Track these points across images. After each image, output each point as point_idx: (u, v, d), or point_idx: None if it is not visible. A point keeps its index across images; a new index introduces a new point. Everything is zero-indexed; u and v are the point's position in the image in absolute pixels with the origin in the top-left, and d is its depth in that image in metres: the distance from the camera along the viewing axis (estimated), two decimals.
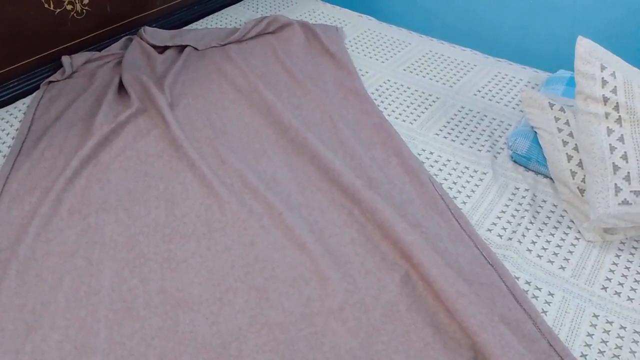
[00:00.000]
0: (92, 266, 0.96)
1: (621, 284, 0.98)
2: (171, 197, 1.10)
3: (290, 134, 1.26)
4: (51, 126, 1.27)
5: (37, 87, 1.42)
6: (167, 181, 1.14)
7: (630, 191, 0.98)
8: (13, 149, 1.21)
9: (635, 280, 0.98)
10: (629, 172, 0.99)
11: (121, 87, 1.42)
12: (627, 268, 1.01)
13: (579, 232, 1.07)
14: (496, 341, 0.81)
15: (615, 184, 1.00)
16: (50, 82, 1.43)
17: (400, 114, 1.40)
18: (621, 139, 1.02)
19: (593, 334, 0.89)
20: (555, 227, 1.08)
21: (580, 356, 0.85)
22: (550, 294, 0.95)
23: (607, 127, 1.04)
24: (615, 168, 1.00)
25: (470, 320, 0.84)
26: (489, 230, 1.07)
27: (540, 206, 1.13)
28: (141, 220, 1.05)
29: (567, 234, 1.07)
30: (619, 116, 1.03)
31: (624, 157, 1.00)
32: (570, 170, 1.11)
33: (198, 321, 0.87)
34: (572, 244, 1.05)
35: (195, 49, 1.63)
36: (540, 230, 1.07)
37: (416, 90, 1.50)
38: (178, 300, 0.91)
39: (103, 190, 1.11)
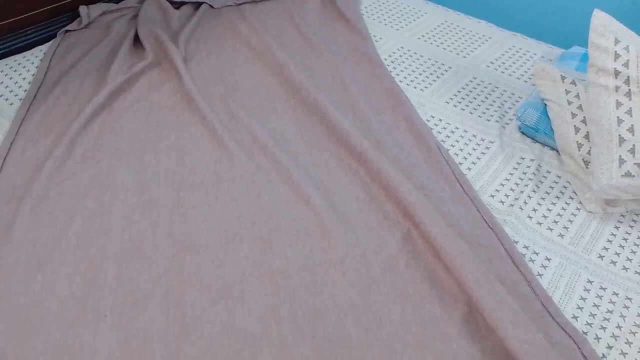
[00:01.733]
0: (103, 208, 0.98)
1: (617, 254, 0.99)
2: (182, 148, 1.12)
3: (301, 94, 1.27)
4: (66, 74, 1.29)
5: (53, 36, 1.43)
6: (178, 132, 1.16)
7: (634, 163, 0.99)
8: (29, 94, 1.23)
9: (632, 251, 1.00)
10: (634, 145, 1.00)
11: (136, 40, 1.43)
12: (625, 239, 1.02)
13: (581, 203, 1.09)
14: (491, 298, 0.84)
15: (620, 156, 1.01)
16: (67, 31, 1.45)
17: (412, 81, 1.40)
18: (629, 112, 1.02)
19: (586, 298, 0.91)
20: (558, 197, 1.10)
21: (572, 317, 0.88)
22: (547, 259, 0.97)
23: (617, 100, 1.04)
24: (621, 140, 1.01)
25: (467, 276, 0.87)
26: (492, 196, 1.09)
27: (544, 176, 1.15)
28: (152, 168, 1.07)
29: (568, 204, 1.09)
30: (629, 89, 1.04)
31: (631, 129, 1.01)
32: (577, 142, 1.12)
33: (203, 264, 0.91)
34: (573, 214, 1.06)
35: (211, 6, 1.63)
36: (543, 199, 1.09)
37: (429, 59, 1.50)
38: (185, 244, 0.94)
39: (116, 137, 1.14)
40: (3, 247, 0.90)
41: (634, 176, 0.99)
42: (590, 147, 1.09)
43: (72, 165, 1.06)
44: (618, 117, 1.03)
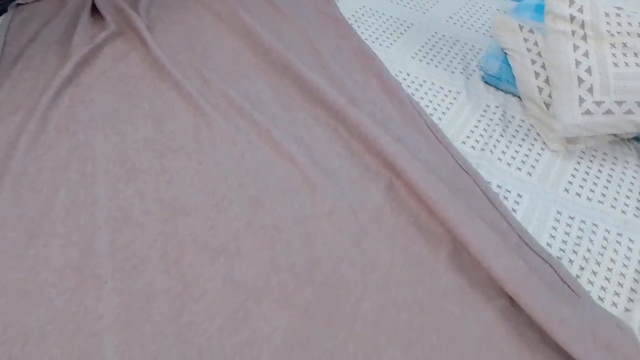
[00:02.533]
0: (87, 179, 0.98)
1: (581, 187, 1.08)
2: (158, 116, 1.12)
3: (272, 56, 1.28)
4: (26, 47, 1.24)
5: (4, 10, 1.37)
6: (152, 101, 1.15)
7: (593, 102, 1.06)
8: None
9: (594, 183, 1.08)
10: (592, 85, 1.07)
11: (94, 10, 1.39)
12: (587, 173, 1.11)
13: (544, 143, 1.16)
14: (474, 233, 0.90)
15: (580, 96, 1.08)
16: (19, 4, 1.39)
17: (377, 38, 1.43)
18: (586, 54, 1.09)
19: (557, 228, 0.99)
20: (523, 139, 1.17)
21: (546, 245, 0.95)
22: (519, 196, 1.04)
23: (574, 43, 1.11)
24: (580, 81, 1.08)
25: (450, 217, 0.92)
26: (464, 142, 1.15)
27: (509, 121, 1.21)
28: (130, 137, 1.06)
29: (533, 145, 1.16)
30: (585, 33, 1.10)
31: (588, 70, 1.08)
32: (538, 86, 1.19)
33: (197, 225, 0.92)
34: (538, 154, 1.14)
35: None
36: (510, 142, 1.16)
37: (391, 17, 1.53)
38: (175, 207, 0.95)
39: (88, 109, 1.12)
40: None
41: (593, 114, 1.07)
42: (551, 91, 1.16)
43: (47, 140, 1.04)
44: (576, 59, 1.09)
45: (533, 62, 1.21)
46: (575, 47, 1.10)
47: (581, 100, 1.07)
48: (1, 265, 0.83)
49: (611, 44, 1.08)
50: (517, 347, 0.80)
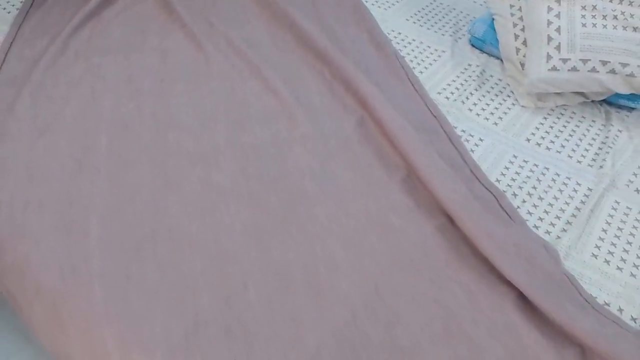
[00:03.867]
0: (95, 93, 1.12)
1: (543, 138, 1.15)
2: (164, 50, 1.25)
3: (273, 8, 1.39)
4: None
5: None
6: (161, 38, 1.29)
7: (559, 59, 1.14)
8: (25, 4, 1.35)
9: (556, 136, 1.16)
10: (559, 43, 1.15)
11: None
12: (551, 127, 1.18)
13: (517, 100, 1.24)
14: (427, 162, 0.99)
15: (547, 53, 1.16)
16: None
17: (377, 1, 1.53)
18: (558, 15, 1.17)
19: (509, 168, 1.07)
20: (497, 95, 1.25)
21: (495, 181, 1.04)
22: (481, 140, 1.13)
23: (548, 5, 1.19)
24: (549, 39, 1.16)
25: (408, 147, 1.02)
26: (439, 93, 1.24)
27: (487, 79, 1.30)
28: (138, 64, 1.20)
29: (505, 100, 1.24)
30: None
31: (558, 30, 1.15)
32: (516, 47, 1.27)
33: (183, 138, 1.05)
34: (509, 108, 1.22)
35: None
36: (483, 96, 1.24)
37: None
38: (167, 123, 1.07)
39: (104, 40, 1.26)
40: (7, 121, 1.03)
41: (559, 70, 1.14)
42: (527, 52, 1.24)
43: (65, 61, 1.19)
44: (548, 19, 1.17)
45: (514, 25, 1.29)
46: (549, 9, 1.18)
47: (549, 57, 1.15)
48: (14, 151, 0.98)
49: (582, 6, 1.16)
50: (448, 257, 0.90)
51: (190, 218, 0.91)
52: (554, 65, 1.14)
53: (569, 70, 1.14)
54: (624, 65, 1.11)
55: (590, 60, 1.12)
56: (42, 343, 0.93)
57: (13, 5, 1.36)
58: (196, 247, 0.87)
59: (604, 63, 1.12)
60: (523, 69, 1.24)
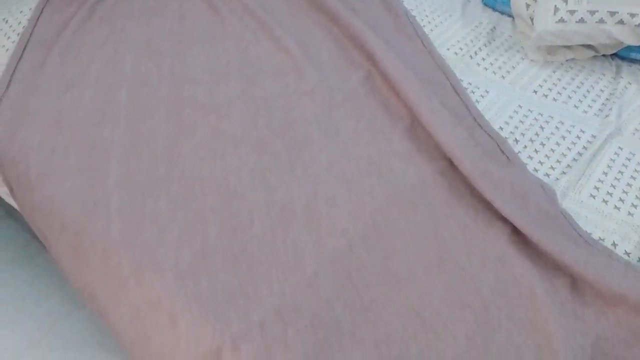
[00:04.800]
0: (117, 54, 1.19)
1: (550, 89, 1.16)
2: (183, 14, 1.32)
3: None
4: None
5: None
6: (180, 3, 1.35)
7: (567, 10, 1.15)
8: None
9: (564, 87, 1.17)
10: None
11: None
12: (559, 79, 1.19)
13: (526, 54, 1.25)
14: (430, 111, 1.02)
15: (555, 5, 1.16)
16: None
17: None
18: None
19: (513, 117, 1.09)
20: (506, 50, 1.26)
21: (498, 129, 1.06)
22: (486, 92, 1.15)
23: None
24: None
25: (413, 97, 1.05)
26: (448, 49, 1.26)
27: (497, 36, 1.31)
28: (158, 28, 1.27)
29: (514, 55, 1.25)
30: None
31: None
32: (526, 3, 1.27)
33: (198, 92, 1.11)
34: (517, 62, 1.23)
35: None
36: (492, 51, 1.26)
37: None
38: (183, 78, 1.14)
39: (128, 6, 1.33)
40: (38, 77, 1.12)
41: (566, 22, 1.15)
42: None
43: (91, 25, 1.27)
44: None
45: None
46: None
47: (556, 9, 1.16)
48: (44, 103, 1.06)
49: None
50: (446, 196, 0.93)
51: (201, 161, 0.97)
52: (561, 17, 1.15)
53: (576, 22, 1.14)
54: (633, 15, 1.11)
55: (598, 11, 1.12)
56: (68, 277, 1.01)
57: None
58: (206, 187, 0.93)
59: (612, 14, 1.12)
60: (533, 24, 1.25)
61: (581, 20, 1.14)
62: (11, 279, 1.32)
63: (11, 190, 1.03)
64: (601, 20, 1.13)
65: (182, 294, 0.79)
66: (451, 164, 0.98)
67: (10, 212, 1.45)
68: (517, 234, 0.87)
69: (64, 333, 1.24)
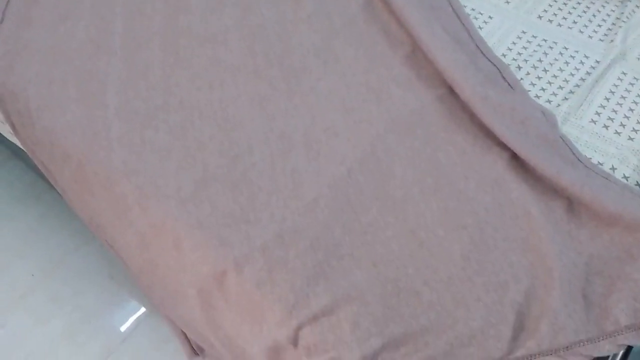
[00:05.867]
0: None
1: (555, 14, 1.13)
2: None
3: None
4: None
5: None
6: None
7: None
8: None
9: (569, 12, 1.13)
10: None
11: None
12: (565, 4, 1.15)
13: None
14: (430, 36, 1.00)
15: None
16: None
17: None
18: None
19: (516, 43, 1.07)
20: None
21: (501, 55, 1.04)
22: (490, 17, 1.12)
23: None
24: None
25: (413, 23, 1.02)
26: None
27: None
28: None
29: None
30: None
31: None
32: None
33: (194, 21, 1.08)
34: None
35: None
36: None
37: None
38: (178, 7, 1.10)
39: None
40: (32, 9, 1.10)
41: None
42: None
43: None
44: None
45: None
46: None
47: None
48: (38, 35, 1.05)
49: None
50: (445, 122, 0.92)
51: (199, 91, 0.97)
52: None
53: None
54: None
55: None
56: (74, 209, 1.03)
57: None
58: (205, 116, 0.93)
59: None
60: None
61: None
62: (21, 214, 1.35)
63: (13, 126, 1.03)
64: None
65: (184, 219, 0.81)
66: (451, 91, 0.97)
67: (15, 151, 1.46)
68: (515, 159, 0.87)
69: (74, 265, 1.28)
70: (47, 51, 1.03)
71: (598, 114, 0.94)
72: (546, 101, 0.97)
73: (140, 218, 0.85)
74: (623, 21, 1.11)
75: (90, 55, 1.02)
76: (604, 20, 1.12)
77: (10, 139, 1.14)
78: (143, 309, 1.25)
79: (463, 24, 1.08)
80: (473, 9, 1.13)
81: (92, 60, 1.01)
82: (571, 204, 0.83)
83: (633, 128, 0.92)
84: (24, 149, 1.05)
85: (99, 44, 1.04)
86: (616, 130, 0.92)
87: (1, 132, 1.18)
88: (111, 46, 1.04)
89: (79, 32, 1.06)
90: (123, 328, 1.22)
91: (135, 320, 1.23)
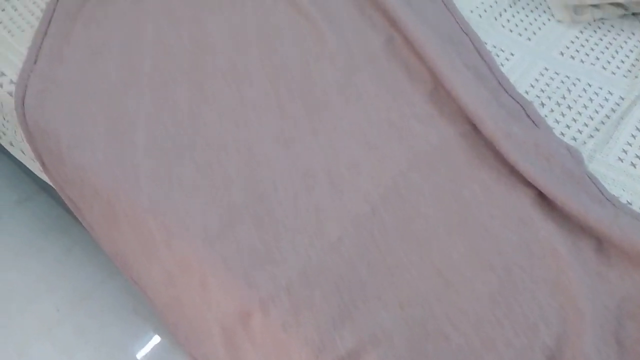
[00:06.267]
0: (139, 24, 1.20)
1: (577, 51, 1.13)
2: None
3: None
4: None
5: None
6: None
7: None
8: None
9: (591, 49, 1.14)
10: None
11: None
12: (587, 40, 1.16)
13: (553, 14, 1.22)
14: (452, 72, 1.00)
15: None
16: None
17: None
18: None
19: (539, 80, 1.07)
20: (532, 11, 1.23)
21: (524, 92, 1.05)
22: (512, 54, 1.13)
23: None
24: None
25: (435, 59, 1.03)
26: (471, 11, 1.23)
27: None
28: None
29: (540, 16, 1.22)
30: None
31: None
32: None
33: (219, 60, 1.11)
34: (543, 23, 1.20)
35: None
36: (517, 12, 1.23)
37: None
38: (205, 46, 1.14)
39: None
40: (64, 48, 1.14)
41: None
42: None
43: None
44: None
45: None
46: None
47: None
48: (71, 74, 1.09)
49: None
50: (469, 158, 0.92)
51: (225, 129, 0.99)
52: None
53: None
54: None
55: None
56: (101, 245, 1.05)
57: None
58: (230, 154, 0.95)
59: None
60: None
61: None
62: (48, 247, 1.38)
63: (43, 164, 1.06)
64: None
65: (211, 258, 0.81)
66: (474, 127, 0.97)
67: (43, 186, 1.50)
68: (541, 197, 0.87)
69: (100, 299, 1.30)
70: (78, 90, 1.06)
71: (625, 151, 0.93)
72: (571, 139, 0.96)
73: (167, 256, 0.86)
74: None
75: (120, 94, 1.05)
76: (626, 55, 1.12)
77: (39, 175, 1.17)
78: (167, 345, 1.25)
79: (484, 60, 1.09)
80: (494, 46, 1.14)
81: (121, 98, 1.04)
82: (600, 243, 0.82)
83: None
84: (53, 186, 1.07)
85: (128, 83, 1.07)
86: None
87: (30, 169, 1.21)
88: (140, 85, 1.07)
89: (109, 71, 1.10)
90: None
91: (159, 355, 1.23)
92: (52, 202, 1.46)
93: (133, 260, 0.96)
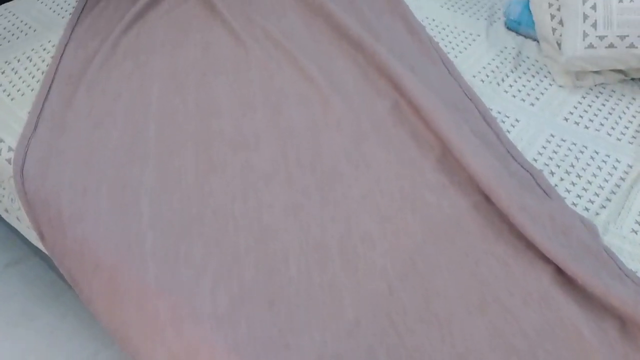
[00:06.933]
0: (143, 88, 1.19)
1: (581, 117, 1.15)
2: (206, 45, 1.31)
3: (308, 1, 1.44)
4: None
5: None
6: (202, 33, 1.35)
7: (596, 36, 1.13)
8: (77, 8, 1.44)
9: (595, 114, 1.15)
10: (596, 20, 1.13)
11: None
12: (590, 105, 1.17)
13: (554, 80, 1.23)
14: (461, 140, 1.00)
15: (584, 31, 1.15)
16: None
17: None
18: None
19: (546, 147, 1.07)
20: (533, 76, 1.25)
21: (532, 160, 1.04)
22: (517, 120, 1.13)
23: None
24: (585, 17, 1.15)
25: (442, 126, 1.03)
26: (474, 76, 1.25)
27: (523, 60, 1.29)
28: (182, 59, 1.27)
29: (542, 81, 1.23)
30: None
31: (594, 7, 1.14)
32: (552, 27, 1.26)
33: (225, 125, 1.10)
34: (546, 88, 1.21)
35: None
36: (519, 77, 1.24)
37: None
38: (210, 112, 1.13)
39: (150, 39, 1.33)
40: (66, 115, 1.12)
41: (595, 47, 1.13)
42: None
43: (116, 59, 1.27)
44: None
45: (550, 4, 1.28)
46: None
47: (585, 35, 1.14)
48: (73, 143, 1.06)
49: None
50: (484, 232, 0.91)
51: (233, 199, 0.96)
52: (590, 43, 1.13)
53: (606, 47, 1.12)
54: None
55: (628, 36, 1.11)
56: (99, 319, 1.00)
57: (66, 11, 1.46)
58: (239, 227, 0.92)
59: None
60: (560, 49, 1.24)
61: (611, 46, 1.12)
62: (42, 314, 1.32)
63: (42, 235, 1.02)
64: (632, 45, 1.11)
65: (221, 343, 0.77)
66: (486, 198, 0.96)
67: (35, 250, 1.45)
68: (560, 274, 0.85)
69: None
70: (81, 158, 1.04)
71: (638, 222, 0.93)
72: (584, 209, 0.96)
73: (174, 340, 0.82)
74: None
75: (124, 163, 1.03)
76: (630, 121, 1.13)
77: (35, 243, 1.13)
78: None
79: (490, 127, 1.10)
80: (499, 112, 1.15)
81: (125, 167, 1.02)
82: (624, 323, 0.80)
83: None
84: (51, 257, 1.03)
85: (132, 151, 1.05)
86: None
87: (26, 237, 1.16)
88: (144, 153, 1.05)
89: (113, 138, 1.07)
90: None
91: None
92: (45, 265, 1.41)
93: (135, 339, 0.91)
